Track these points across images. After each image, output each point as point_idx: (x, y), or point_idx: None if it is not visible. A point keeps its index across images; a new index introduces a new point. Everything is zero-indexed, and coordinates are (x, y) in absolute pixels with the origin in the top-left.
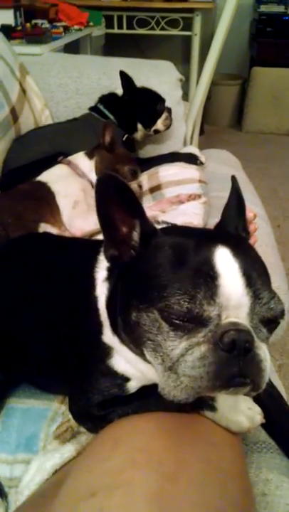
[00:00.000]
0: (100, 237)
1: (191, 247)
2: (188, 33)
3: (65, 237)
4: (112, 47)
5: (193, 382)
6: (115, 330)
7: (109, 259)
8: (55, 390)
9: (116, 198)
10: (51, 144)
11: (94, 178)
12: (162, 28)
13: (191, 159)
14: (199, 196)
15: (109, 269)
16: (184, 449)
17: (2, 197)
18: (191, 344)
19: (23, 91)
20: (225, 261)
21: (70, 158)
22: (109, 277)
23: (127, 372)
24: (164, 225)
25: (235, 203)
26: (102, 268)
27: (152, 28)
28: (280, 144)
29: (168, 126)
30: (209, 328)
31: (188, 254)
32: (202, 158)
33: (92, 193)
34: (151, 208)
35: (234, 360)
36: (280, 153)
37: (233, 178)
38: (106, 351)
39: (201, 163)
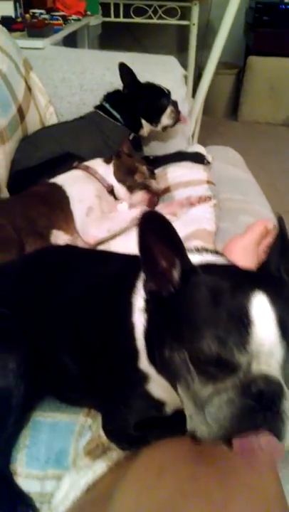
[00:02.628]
0: (113, 243)
1: (228, 289)
2: (186, 23)
3: (93, 250)
4: (107, 35)
5: (218, 424)
6: (152, 360)
7: (148, 293)
8: (82, 403)
9: (157, 234)
10: (59, 144)
11: (113, 181)
12: (159, 17)
13: (197, 158)
14: (210, 198)
15: (148, 300)
16: (229, 476)
17: (15, 200)
18: (219, 389)
19: (29, 88)
20: (261, 307)
21: (87, 163)
22: (147, 307)
23: (163, 398)
24: (202, 252)
25: (280, 243)
26: (139, 295)
27: (149, 17)
28: (277, 136)
29: (175, 121)
30: (238, 375)
31: (224, 296)
32: (209, 158)
33: (107, 198)
34: (162, 211)
35: (260, 410)
36: (277, 145)
37: (280, 220)
38: (142, 377)
39: (208, 163)
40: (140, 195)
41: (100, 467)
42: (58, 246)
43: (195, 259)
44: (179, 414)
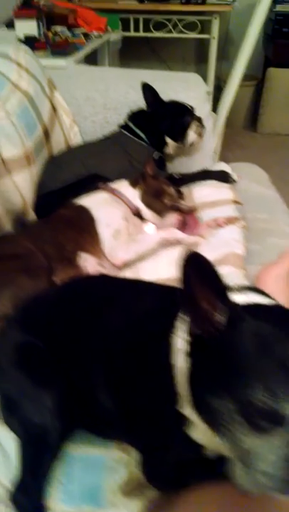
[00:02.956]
0: (141, 266)
1: (277, 336)
2: (206, 36)
3: (128, 280)
4: (126, 49)
5: (266, 477)
6: (194, 406)
7: (191, 336)
8: (115, 438)
9: (200, 276)
10: (85, 166)
11: (139, 205)
12: (179, 31)
13: (223, 177)
14: (238, 220)
15: (190, 343)
16: None
17: (43, 225)
18: (267, 441)
19: (54, 108)
20: None
21: (113, 185)
22: (189, 349)
23: (204, 442)
24: (245, 291)
25: None
26: (179, 336)
27: (169, 31)
28: None
29: (201, 135)
30: (287, 427)
31: (274, 344)
32: (234, 176)
33: (134, 220)
34: (189, 233)
35: None
36: None
37: None
38: (183, 420)
39: (234, 181)
40: (172, 218)
41: (137, 506)
42: (92, 276)
43: (239, 299)
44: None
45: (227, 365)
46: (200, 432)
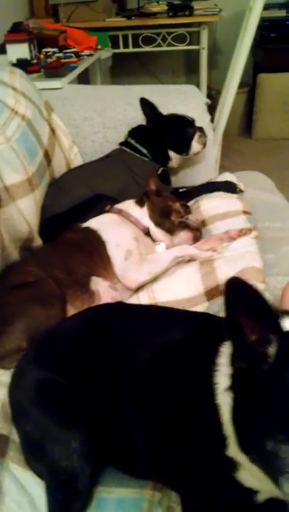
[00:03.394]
0: (156, 286)
1: None
2: (195, 47)
3: (149, 308)
4: (115, 65)
5: None
6: (244, 448)
7: (237, 371)
8: (150, 476)
9: (245, 304)
10: (88, 186)
11: (149, 223)
12: (169, 44)
13: (229, 188)
14: (250, 231)
15: (235, 377)
16: None
17: (50, 250)
18: None
19: (52, 131)
20: None
21: (119, 206)
22: (235, 386)
23: (255, 486)
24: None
25: None
26: (222, 373)
27: (159, 45)
28: None
29: (204, 144)
30: None
31: None
32: (241, 186)
33: (144, 241)
34: (201, 247)
35: None
36: None
37: None
38: (231, 464)
39: (241, 191)
40: (183, 236)
41: None
42: (109, 305)
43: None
44: (273, 501)
45: (280, 403)
46: (251, 476)
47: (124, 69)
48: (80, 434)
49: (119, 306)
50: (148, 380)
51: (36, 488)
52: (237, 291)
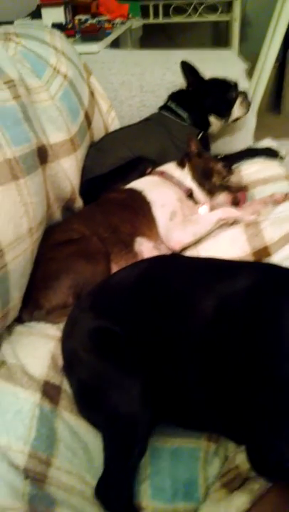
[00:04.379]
0: (201, 247)
1: None
2: (227, 18)
3: (205, 259)
4: (143, 37)
5: None
6: None
7: None
8: (207, 428)
9: None
10: (129, 148)
11: (191, 185)
12: (199, 15)
13: (270, 154)
14: None
15: None
16: None
17: (94, 209)
18: None
19: (91, 93)
20: None
21: (161, 168)
22: None
23: None
24: None
25: None
26: None
27: (189, 16)
28: None
29: (247, 109)
30: None
31: None
32: (282, 153)
33: (188, 203)
34: (245, 211)
35: None
36: None
37: None
38: None
39: (282, 158)
40: (222, 198)
41: (242, 502)
42: (165, 256)
43: None
44: None
45: None
46: None
47: (152, 41)
48: (139, 381)
49: (176, 257)
50: (215, 327)
51: (89, 435)
52: None
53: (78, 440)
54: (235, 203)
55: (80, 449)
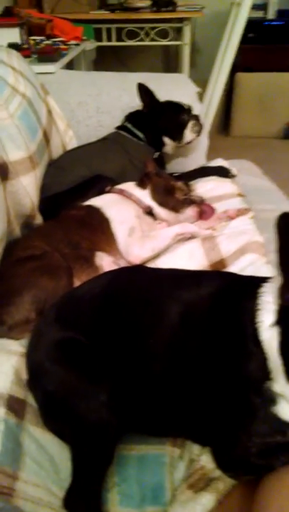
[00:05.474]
0: (159, 262)
1: None
2: (178, 43)
3: (169, 270)
4: (96, 59)
5: None
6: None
7: (284, 302)
8: (172, 434)
9: None
10: (88, 167)
11: (150, 203)
12: (152, 39)
13: (222, 172)
14: (247, 210)
15: (280, 312)
16: None
17: (54, 225)
18: None
19: (49, 112)
20: None
21: (120, 186)
22: (281, 321)
23: None
24: None
25: None
26: (267, 310)
27: (141, 40)
28: (270, 147)
29: (199, 133)
30: None
31: None
32: (233, 171)
33: (146, 219)
34: (199, 227)
35: None
36: (270, 156)
37: None
38: (271, 398)
39: (233, 176)
40: (190, 211)
41: (208, 500)
42: (129, 267)
43: None
44: None
45: None
46: None
47: (105, 63)
48: (106, 389)
49: (140, 268)
50: (181, 332)
51: (55, 447)
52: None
53: (44, 453)
54: (202, 215)
55: (47, 462)
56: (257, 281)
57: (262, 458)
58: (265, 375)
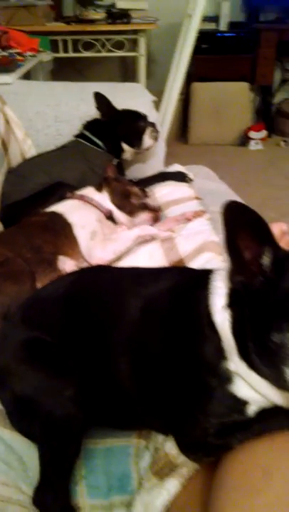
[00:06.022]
0: (121, 264)
1: None
2: (134, 54)
3: (128, 268)
4: (54, 70)
5: None
6: (244, 355)
7: (238, 286)
8: (136, 426)
9: (243, 225)
10: (48, 174)
11: (111, 206)
12: (108, 50)
13: (180, 177)
14: (204, 212)
15: (230, 295)
16: None
17: (16, 231)
18: None
19: (7, 121)
20: None
21: (81, 192)
22: (231, 303)
23: (247, 397)
24: None
25: None
26: (218, 294)
27: (98, 51)
28: (226, 154)
29: (156, 139)
30: None
31: None
32: (190, 175)
33: (107, 223)
34: (159, 229)
35: None
36: (227, 161)
37: None
38: (226, 377)
39: (190, 180)
40: (144, 216)
41: (173, 485)
42: (92, 267)
43: None
44: (261, 415)
45: (284, 301)
46: (246, 385)
47: (63, 74)
48: (72, 383)
49: (102, 268)
50: (141, 325)
51: (23, 446)
52: (234, 211)
53: (13, 453)
54: (156, 220)
55: (15, 461)
56: (210, 272)
57: (220, 438)
58: (220, 355)
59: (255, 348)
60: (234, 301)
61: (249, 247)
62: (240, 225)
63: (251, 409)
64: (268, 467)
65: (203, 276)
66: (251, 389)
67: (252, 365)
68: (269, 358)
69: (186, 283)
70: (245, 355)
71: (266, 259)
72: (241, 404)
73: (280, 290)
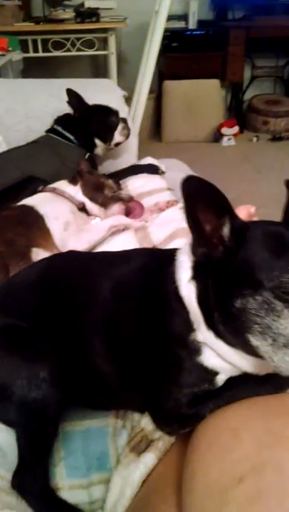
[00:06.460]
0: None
1: (287, 234)
2: (104, 52)
3: (99, 253)
4: (25, 69)
5: None
6: (210, 325)
7: (201, 257)
8: (113, 405)
9: (202, 198)
10: (20, 169)
11: (83, 199)
12: (78, 49)
13: (152, 169)
14: (176, 202)
15: (195, 268)
16: None
17: None
18: None
19: None
20: None
21: (53, 185)
22: (196, 276)
23: (216, 366)
24: None
25: None
26: (184, 268)
27: (68, 50)
28: (199, 150)
29: (127, 136)
30: None
31: (287, 239)
32: (162, 168)
33: (81, 214)
34: (132, 218)
35: None
36: (200, 158)
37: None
38: (195, 349)
39: (162, 173)
40: (116, 208)
41: (150, 458)
42: (62, 253)
43: None
44: (230, 384)
45: (249, 267)
46: (214, 355)
47: (34, 73)
48: (47, 365)
49: (72, 253)
50: (113, 305)
51: (1, 433)
52: (193, 185)
53: None
54: (128, 212)
55: None
56: (177, 250)
57: (192, 407)
58: (189, 327)
59: (220, 317)
60: (198, 274)
61: (209, 220)
62: (199, 198)
63: (221, 379)
64: (236, 428)
65: (171, 254)
66: (220, 358)
67: (219, 334)
68: (234, 325)
69: (154, 261)
70: (211, 324)
71: (225, 230)
72: (211, 373)
73: (239, 258)
